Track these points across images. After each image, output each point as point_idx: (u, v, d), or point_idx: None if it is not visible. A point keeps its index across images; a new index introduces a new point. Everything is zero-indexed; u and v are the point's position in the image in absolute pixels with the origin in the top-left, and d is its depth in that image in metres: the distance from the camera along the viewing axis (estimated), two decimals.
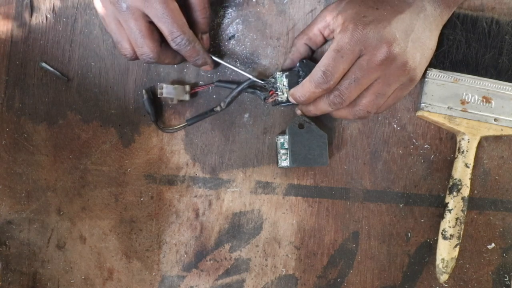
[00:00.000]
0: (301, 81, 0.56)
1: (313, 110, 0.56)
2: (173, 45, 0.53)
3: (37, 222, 0.60)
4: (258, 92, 0.59)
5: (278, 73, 0.58)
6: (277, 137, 0.60)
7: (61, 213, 0.60)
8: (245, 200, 0.61)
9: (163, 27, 0.51)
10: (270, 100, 0.58)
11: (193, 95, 0.60)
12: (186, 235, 0.61)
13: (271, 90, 0.58)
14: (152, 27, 0.52)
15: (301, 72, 0.57)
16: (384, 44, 0.50)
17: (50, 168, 0.60)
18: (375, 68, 0.51)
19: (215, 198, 0.61)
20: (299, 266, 0.61)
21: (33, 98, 0.60)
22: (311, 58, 0.59)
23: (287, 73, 0.57)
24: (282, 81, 0.57)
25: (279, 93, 0.58)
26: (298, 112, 0.59)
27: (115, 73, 0.61)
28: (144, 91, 0.59)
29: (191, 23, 0.55)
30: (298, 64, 0.57)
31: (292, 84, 0.57)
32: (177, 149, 0.61)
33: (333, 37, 0.53)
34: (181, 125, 0.59)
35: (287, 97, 0.57)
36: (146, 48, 0.53)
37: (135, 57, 0.54)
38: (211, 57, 0.57)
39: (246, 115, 0.61)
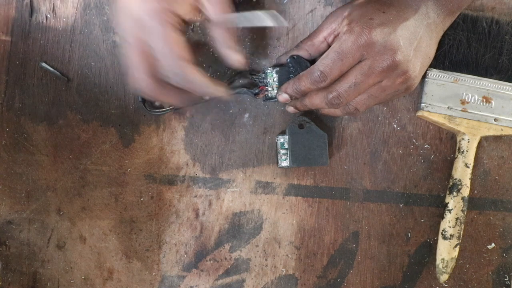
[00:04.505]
0: (292, 77, 0.56)
1: (309, 104, 0.56)
2: (170, 79, 0.50)
3: (37, 222, 0.60)
4: (246, 89, 0.59)
5: (269, 68, 0.58)
6: (277, 137, 0.60)
7: (61, 213, 0.60)
8: (245, 200, 0.61)
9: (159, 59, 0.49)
10: (261, 95, 0.58)
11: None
12: (186, 235, 0.61)
13: (261, 86, 0.58)
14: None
15: (291, 68, 0.57)
16: (388, 51, 0.50)
17: (50, 168, 0.60)
18: (376, 74, 0.51)
19: (215, 198, 0.61)
20: (299, 266, 0.61)
21: (33, 98, 0.60)
22: (309, 61, 0.58)
23: (278, 68, 0.57)
24: (273, 76, 0.57)
25: (269, 89, 0.58)
26: (290, 109, 0.58)
27: (115, 73, 0.61)
28: None
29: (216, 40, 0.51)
30: (288, 60, 0.57)
31: (282, 79, 0.57)
32: (177, 149, 0.61)
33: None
34: (167, 109, 0.59)
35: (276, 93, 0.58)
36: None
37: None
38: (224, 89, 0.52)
39: (246, 115, 0.61)
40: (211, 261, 0.61)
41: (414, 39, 0.51)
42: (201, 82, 0.49)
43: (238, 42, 0.52)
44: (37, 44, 0.60)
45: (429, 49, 0.54)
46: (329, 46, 0.56)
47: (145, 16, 0.47)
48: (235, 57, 0.51)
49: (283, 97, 0.56)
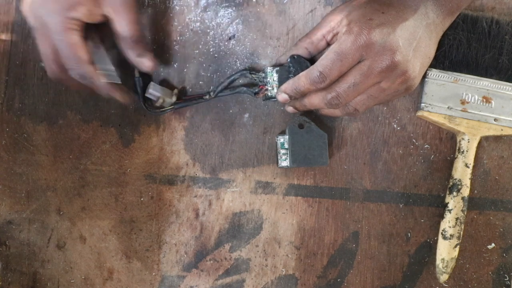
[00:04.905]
0: (292, 76, 0.56)
1: (308, 104, 0.56)
2: (71, 74, 0.53)
3: (37, 222, 0.60)
4: (245, 88, 0.59)
5: (269, 68, 0.58)
6: (277, 137, 0.60)
7: (61, 213, 0.60)
8: (245, 200, 0.61)
9: (61, 56, 0.53)
10: (261, 94, 0.59)
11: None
12: (186, 235, 0.61)
13: (261, 85, 0.58)
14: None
15: (291, 68, 0.57)
16: (387, 51, 0.50)
17: (50, 168, 0.60)
18: (375, 75, 0.51)
19: (215, 198, 0.61)
20: (299, 266, 0.61)
21: (33, 98, 0.60)
22: (309, 60, 0.59)
23: (278, 68, 0.58)
24: (273, 76, 0.58)
25: (269, 88, 0.58)
26: (289, 109, 0.59)
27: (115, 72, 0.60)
28: (136, 70, 0.58)
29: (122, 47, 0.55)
30: (289, 60, 0.57)
31: (282, 79, 0.57)
32: (177, 149, 0.61)
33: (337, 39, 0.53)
34: (167, 109, 0.59)
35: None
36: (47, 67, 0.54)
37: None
38: (123, 90, 0.57)
39: (246, 115, 0.61)
40: (211, 261, 0.61)
41: (414, 39, 0.51)
42: (99, 83, 0.54)
43: (146, 47, 0.56)
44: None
45: (429, 49, 0.54)
46: (327, 44, 0.56)
47: (47, 18, 0.51)
48: (146, 64, 0.56)
49: (282, 97, 0.56)
